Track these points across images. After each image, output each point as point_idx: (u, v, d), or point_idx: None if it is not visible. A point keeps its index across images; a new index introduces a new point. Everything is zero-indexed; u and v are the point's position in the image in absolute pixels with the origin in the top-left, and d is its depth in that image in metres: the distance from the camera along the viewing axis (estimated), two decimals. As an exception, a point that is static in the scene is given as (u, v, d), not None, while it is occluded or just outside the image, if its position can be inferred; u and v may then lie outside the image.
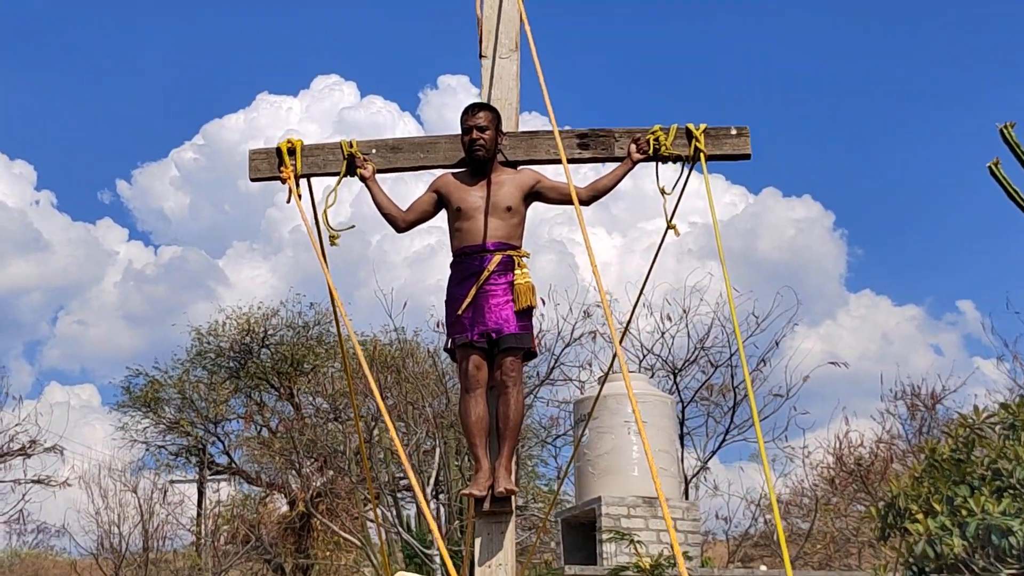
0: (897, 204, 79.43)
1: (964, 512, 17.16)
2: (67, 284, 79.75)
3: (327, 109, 67.58)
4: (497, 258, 7.37)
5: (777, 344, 32.28)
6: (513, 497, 7.30)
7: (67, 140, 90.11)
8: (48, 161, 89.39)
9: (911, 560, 17.73)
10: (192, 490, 39.28)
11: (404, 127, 66.56)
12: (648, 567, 16.51)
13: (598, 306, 29.00)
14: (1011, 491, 17.07)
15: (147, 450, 38.91)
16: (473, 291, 7.34)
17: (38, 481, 38.07)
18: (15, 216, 73.63)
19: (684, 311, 32.54)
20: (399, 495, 30.64)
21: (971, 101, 79.25)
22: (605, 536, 19.42)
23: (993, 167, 10.95)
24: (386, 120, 65.45)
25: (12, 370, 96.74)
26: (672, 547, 6.28)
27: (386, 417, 6.72)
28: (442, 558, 7.14)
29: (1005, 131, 11.05)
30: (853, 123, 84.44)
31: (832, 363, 35.71)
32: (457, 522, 27.74)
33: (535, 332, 7.68)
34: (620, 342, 7.28)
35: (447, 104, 67.49)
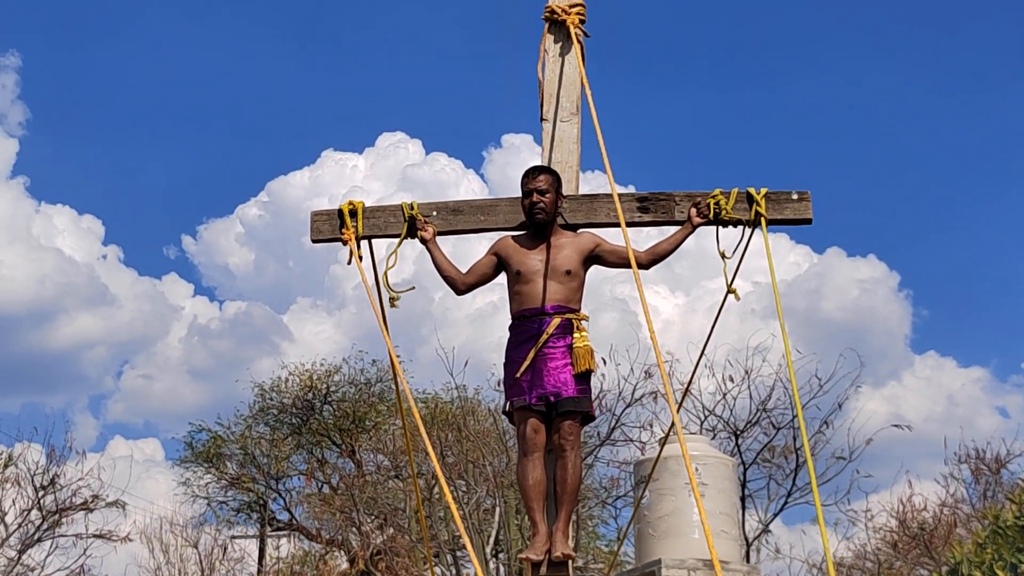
0: (962, 265, 78.85)
1: (1029, 580, 16.96)
2: (132, 338, 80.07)
3: (392, 167, 67.83)
4: (556, 321, 7.35)
5: (840, 406, 32.07)
6: (570, 562, 7.26)
7: (134, 195, 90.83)
8: (115, 216, 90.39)
9: (975, 628, 17.52)
10: (253, 546, 39.36)
11: (468, 185, 66.66)
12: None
13: (666, 376, 28.86)
14: (1078, 559, 16.85)
15: (208, 505, 39.07)
16: (532, 354, 7.31)
17: (100, 536, 38.21)
18: (83, 270, 74.33)
19: (746, 372, 32.36)
20: (458, 554, 30.56)
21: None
22: (665, 600, 19.29)
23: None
24: (450, 178, 65.62)
25: (77, 424, 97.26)
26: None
27: (441, 480, 6.72)
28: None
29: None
30: (918, 183, 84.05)
31: (896, 425, 35.52)
32: (516, 583, 27.64)
33: (594, 394, 7.65)
34: (681, 403, 7.27)
35: (510, 163, 67.54)
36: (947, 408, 61.58)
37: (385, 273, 7.74)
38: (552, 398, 7.29)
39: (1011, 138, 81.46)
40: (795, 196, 7.61)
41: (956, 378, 67.08)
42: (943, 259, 78.94)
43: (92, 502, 37.66)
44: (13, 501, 36.17)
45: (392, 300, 7.75)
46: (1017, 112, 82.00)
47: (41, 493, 37.12)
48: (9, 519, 36.23)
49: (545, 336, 7.32)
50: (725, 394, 32.32)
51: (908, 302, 72.62)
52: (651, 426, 31.43)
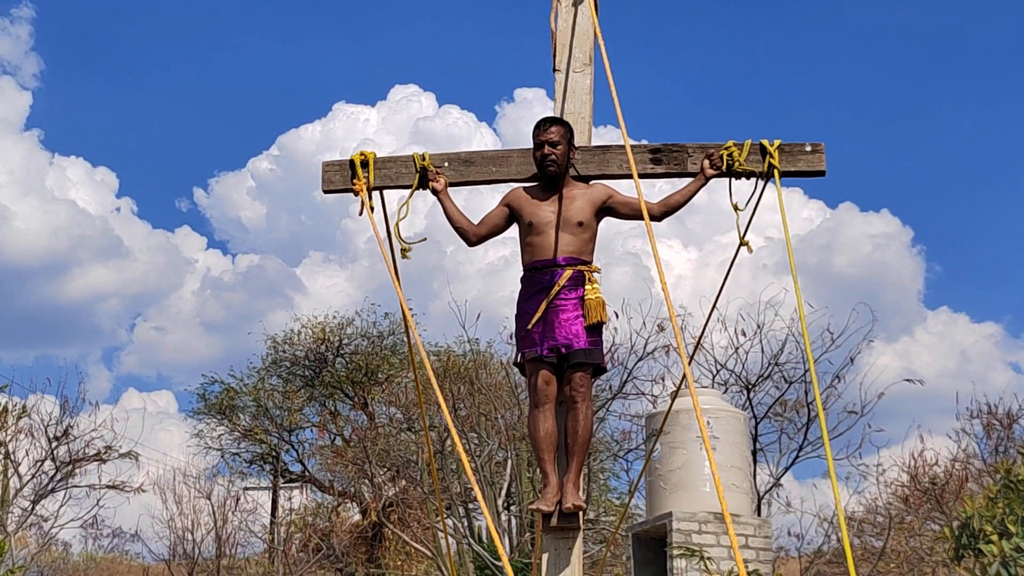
0: (976, 220, 78.75)
1: (1040, 534, 16.97)
2: (146, 291, 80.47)
3: (404, 120, 67.80)
4: (568, 273, 7.34)
5: (852, 360, 32.02)
6: (581, 513, 7.27)
7: (147, 148, 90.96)
8: (129, 168, 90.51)
9: (986, 581, 17.54)
10: (265, 498, 39.54)
11: (481, 139, 66.72)
12: (715, 583, 16.42)
13: (679, 330, 28.86)
14: (1088, 514, 16.86)
15: (221, 457, 39.27)
16: (543, 306, 7.31)
17: (113, 486, 38.39)
18: (96, 223, 74.59)
19: (759, 326, 32.32)
20: (471, 506, 30.64)
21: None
22: (676, 552, 19.31)
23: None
24: (462, 132, 65.58)
25: (90, 375, 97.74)
26: (738, 564, 6.21)
27: (453, 432, 6.72)
28: (508, 570, 7.11)
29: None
30: (934, 138, 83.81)
31: (908, 380, 35.44)
32: (528, 534, 27.71)
33: (605, 347, 7.65)
34: (692, 357, 7.26)
35: (523, 117, 67.57)
36: (959, 363, 61.67)
37: (397, 224, 7.73)
38: (563, 350, 7.29)
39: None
40: (808, 148, 7.58)
41: (969, 334, 67.14)
42: (957, 214, 78.88)
43: (105, 453, 37.81)
44: (27, 452, 36.34)
45: (404, 252, 7.74)
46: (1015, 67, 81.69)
47: (55, 444, 37.27)
48: (23, 470, 36.39)
49: (557, 288, 7.32)
50: (737, 348, 32.33)
51: (921, 257, 72.98)
52: (663, 380, 31.52)
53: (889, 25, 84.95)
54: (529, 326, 7.37)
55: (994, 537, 17.56)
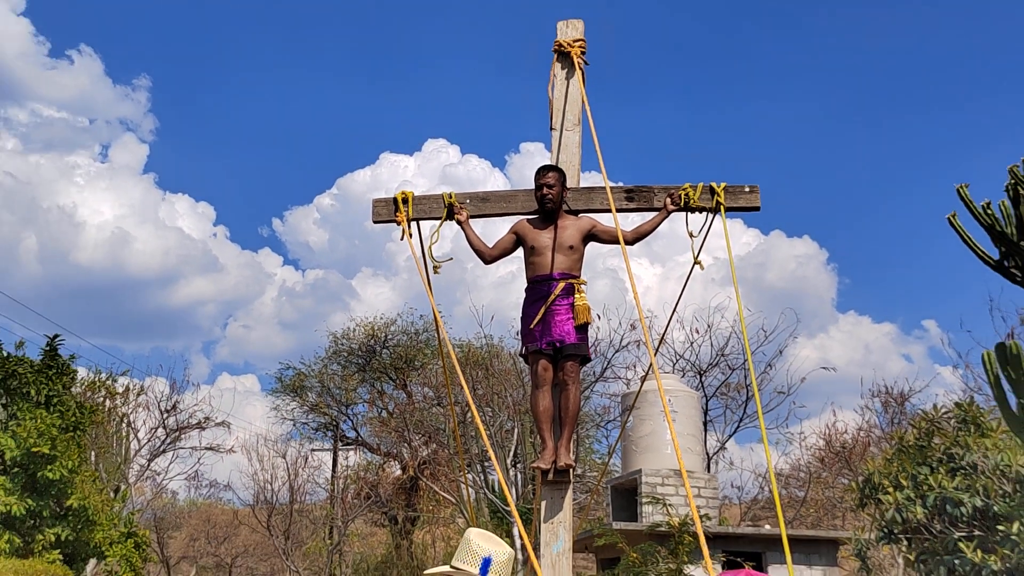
0: (877, 243, 78.96)
1: (925, 487, 16.93)
2: (236, 297, 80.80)
3: (435, 166, 68.07)
4: (561, 285, 7.38)
5: (781, 352, 32.30)
6: (571, 470, 7.31)
7: (237, 186, 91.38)
8: (223, 202, 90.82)
9: (883, 524, 17.51)
10: (327, 457, 39.52)
11: (494, 181, 67.12)
12: (676, 524, 16.42)
13: (647, 329, 28.96)
14: (962, 471, 16.82)
15: (293, 426, 39.20)
16: (542, 310, 7.35)
17: (210, 448, 38.54)
18: (198, 245, 74.98)
19: (708, 326, 32.52)
20: (486, 464, 30.66)
21: (937, 165, 78.72)
22: (644, 500, 19.32)
23: (951, 219, 10.81)
24: (480, 175, 65.87)
25: (193, 362, 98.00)
26: (692, 510, 6.22)
27: (472, 407, 6.74)
28: (515, 514, 7.12)
29: (960, 190, 10.92)
30: (845, 177, 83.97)
31: (824, 368, 35.85)
32: (530, 485, 27.69)
33: (590, 342, 7.66)
34: (657, 349, 7.24)
35: (527, 164, 67.82)
36: (864, 355, 61.79)
37: (429, 247, 7.77)
38: (558, 344, 7.33)
39: (919, 140, 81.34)
40: (747, 189, 7.62)
41: (871, 331, 67.24)
42: (863, 238, 79.00)
43: (204, 422, 37.92)
44: (143, 422, 36.50)
45: (435, 268, 7.79)
46: (918, 121, 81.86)
47: (165, 415, 37.35)
48: (141, 435, 36.49)
49: (553, 296, 7.36)
50: (692, 343, 32.58)
51: (834, 272, 72.63)
52: (634, 367, 31.72)
53: (807, 94, 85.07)
54: (531, 325, 7.40)
55: (890, 489, 17.53)
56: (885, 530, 18.02)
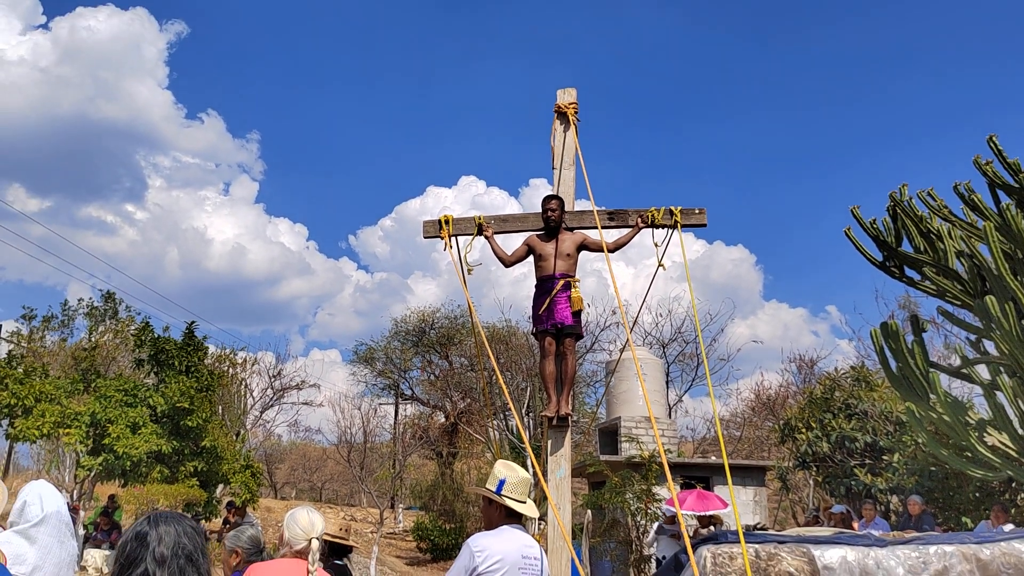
0: (794, 250, 78.82)
1: (829, 428, 16.92)
2: (323, 293, 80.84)
3: (467, 196, 68.00)
4: (561, 282, 7.36)
5: (722, 330, 32.58)
6: (569, 417, 7.31)
7: (323, 212, 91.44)
8: (313, 224, 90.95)
9: (798, 455, 17.51)
10: (391, 409, 39.49)
11: (511, 207, 67.07)
12: (646, 456, 16.41)
13: (624, 314, 29.09)
14: (856, 416, 16.80)
15: (366, 386, 39.19)
16: (547, 301, 7.34)
17: (305, 403, 38.70)
18: (295, 255, 75.07)
19: (669, 311, 32.67)
20: (507, 413, 30.67)
21: (836, 192, 78.56)
22: (623, 439, 19.30)
23: (847, 232, 10.81)
24: (501, 203, 65.93)
25: (292, 340, 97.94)
26: (658, 446, 6.22)
27: (497, 373, 6.75)
28: (528, 450, 7.11)
29: (854, 211, 10.93)
30: (771, 200, 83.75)
31: (754, 341, 36.25)
32: (540, 429, 27.71)
33: (582, 324, 7.66)
34: (632, 328, 7.23)
35: (535, 194, 67.89)
36: (783, 331, 61.71)
37: (464, 255, 7.76)
38: (559, 325, 7.31)
39: (829, 157, 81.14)
40: (697, 211, 7.59)
41: (788, 314, 67.14)
42: (783, 246, 78.83)
43: (301, 385, 38.12)
44: (256, 384, 36.59)
45: (469, 270, 7.77)
46: (827, 131, 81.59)
47: (272, 379, 37.50)
48: (256, 394, 36.61)
49: (555, 290, 7.34)
50: (657, 323, 32.62)
51: (761, 271, 72.40)
52: (615, 342, 31.72)
53: (736, 130, 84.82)
54: (539, 312, 7.40)
55: (803, 430, 17.54)
56: (800, 460, 18.03)
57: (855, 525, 12.57)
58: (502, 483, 4.60)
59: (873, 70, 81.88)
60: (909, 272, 10.72)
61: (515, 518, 4.60)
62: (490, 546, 4.40)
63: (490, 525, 4.61)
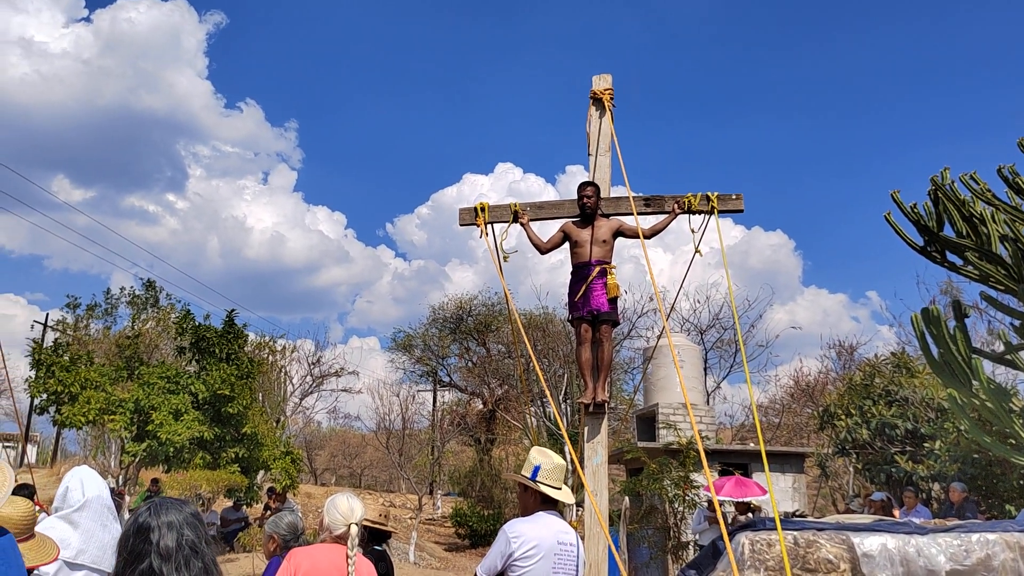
0: (833, 235, 77.96)
1: (869, 415, 16.73)
2: (361, 281, 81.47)
3: (504, 183, 68.10)
4: (597, 269, 7.31)
5: (761, 316, 32.39)
6: (606, 404, 7.28)
7: (360, 200, 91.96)
8: (352, 212, 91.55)
9: (837, 442, 17.34)
10: (429, 396, 39.68)
11: (548, 194, 67.14)
12: (684, 443, 16.34)
13: (660, 300, 29.02)
14: (896, 403, 16.59)
15: (404, 373, 39.41)
16: (584, 288, 7.30)
17: (344, 390, 38.98)
18: (334, 243, 75.66)
19: (707, 298, 32.47)
20: (544, 400, 30.68)
21: (876, 172, 77.53)
22: (660, 425, 19.22)
23: (887, 216, 10.66)
24: (537, 190, 65.94)
25: (331, 328, 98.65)
26: (694, 433, 6.19)
27: (533, 360, 6.74)
28: (564, 436, 7.13)
29: (894, 195, 10.76)
30: (810, 185, 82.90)
31: (792, 327, 35.80)
32: (576, 416, 27.68)
33: (619, 310, 7.62)
34: (669, 315, 7.19)
35: (571, 181, 67.69)
36: (823, 317, 61.24)
37: (500, 243, 7.75)
38: (595, 312, 7.27)
39: (867, 149, 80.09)
40: (734, 196, 7.52)
41: (828, 300, 66.67)
42: (822, 232, 78.05)
43: (340, 372, 38.39)
44: (296, 371, 36.91)
45: (504, 258, 7.76)
46: (863, 127, 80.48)
47: (312, 366, 37.78)
48: (295, 381, 36.94)
49: (591, 277, 7.30)
50: (695, 309, 32.50)
51: (800, 257, 71.80)
52: (652, 328, 31.63)
53: (774, 120, 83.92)
54: (575, 299, 7.36)
55: (842, 416, 17.36)
56: (839, 447, 17.84)
57: (896, 513, 12.43)
58: (537, 469, 4.60)
59: (917, 58, 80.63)
60: (951, 257, 10.54)
61: (551, 504, 4.61)
62: (526, 532, 4.40)
63: (526, 511, 4.62)
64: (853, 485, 22.68)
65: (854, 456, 17.55)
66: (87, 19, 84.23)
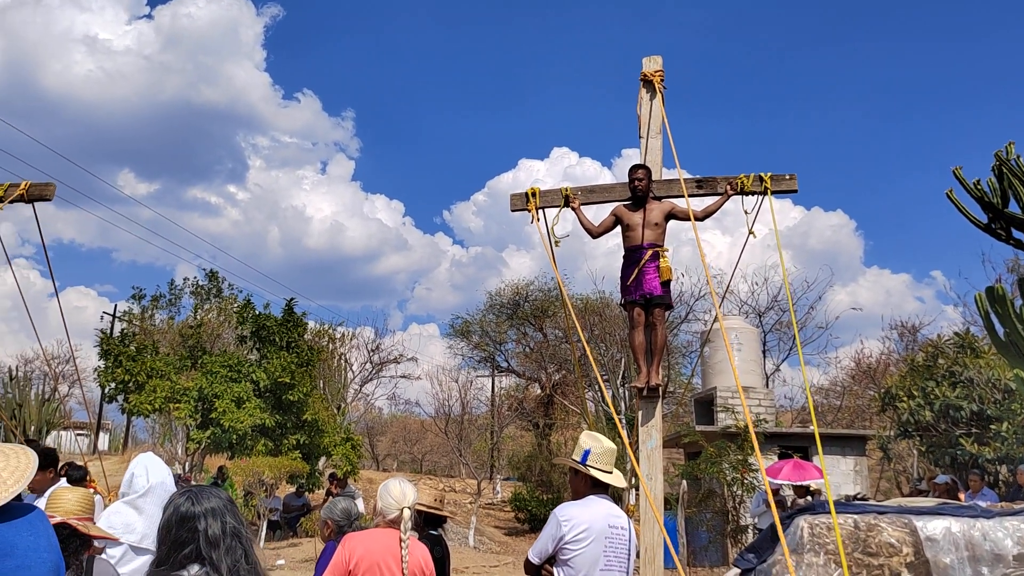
0: (895, 214, 76.53)
1: (932, 396, 16.40)
2: (420, 268, 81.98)
3: (560, 168, 68.03)
4: (650, 252, 7.27)
5: (820, 298, 31.86)
6: (660, 388, 7.24)
7: (419, 188, 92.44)
8: (410, 200, 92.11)
9: (899, 424, 17.03)
10: (487, 381, 39.82)
11: (604, 178, 66.72)
12: (741, 427, 16.22)
13: (711, 282, 28.93)
14: (961, 384, 16.24)
15: (463, 359, 39.57)
16: (636, 271, 7.27)
17: (404, 376, 39.27)
18: (393, 231, 76.24)
19: (765, 279, 31.98)
20: (604, 384, 30.63)
21: (935, 152, 75.91)
22: (718, 409, 19.08)
23: (949, 194, 10.42)
24: (593, 174, 65.67)
25: (390, 315, 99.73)
26: (747, 418, 6.13)
27: (587, 348, 6.73)
28: (616, 421, 7.13)
29: (956, 172, 10.51)
30: (870, 163, 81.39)
31: (853, 308, 35.27)
32: (634, 400, 27.59)
33: (673, 294, 7.57)
34: (723, 299, 7.11)
35: (628, 165, 67.11)
36: (885, 298, 60.25)
37: (551, 228, 7.74)
38: (648, 295, 7.24)
39: (922, 134, 78.38)
40: (788, 177, 7.42)
41: (891, 280, 65.52)
42: (883, 210, 76.60)
43: (399, 358, 38.67)
44: (356, 358, 37.29)
45: (556, 243, 7.75)
46: (920, 120, 78.73)
47: (372, 353, 38.16)
48: (355, 368, 37.34)
49: (643, 261, 7.26)
50: (753, 292, 32.13)
51: (861, 237, 70.53)
52: (709, 312, 31.52)
53: (836, 105, 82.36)
54: (628, 283, 7.35)
55: (904, 398, 17.04)
56: (901, 429, 17.53)
57: (961, 496, 12.18)
58: (587, 453, 4.60)
59: (976, 29, 78.52)
60: (1017, 234, 10.25)
61: (602, 488, 4.60)
62: (577, 515, 4.41)
63: (577, 495, 4.62)
64: (917, 468, 22.29)
65: (917, 438, 17.23)
66: (148, 16, 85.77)
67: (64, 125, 76.02)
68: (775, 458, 15.19)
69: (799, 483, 13.07)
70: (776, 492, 12.97)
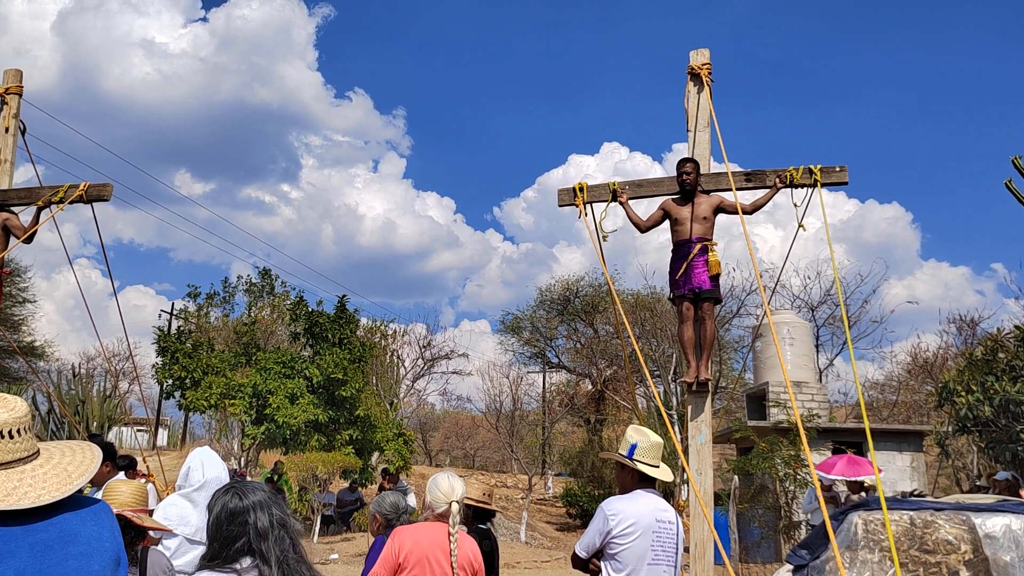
0: (951, 205, 75.12)
1: (991, 391, 16.06)
2: (471, 265, 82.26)
3: (610, 163, 67.77)
4: (698, 247, 7.24)
5: (874, 291, 31.39)
6: (709, 383, 7.20)
7: (470, 185, 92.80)
8: (460, 197, 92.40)
9: (957, 420, 16.69)
10: (538, 377, 39.83)
11: (654, 172, 66.34)
12: (792, 422, 16.04)
13: (760, 276, 28.58)
14: (1021, 379, 15.87)
15: (514, 355, 39.59)
16: (684, 265, 7.24)
17: (455, 372, 39.46)
18: (444, 228, 76.65)
19: (818, 273, 31.68)
20: (655, 379, 30.46)
21: (993, 142, 74.28)
22: (770, 404, 18.89)
23: (1008, 183, 10.23)
24: (644, 168, 65.55)
25: (442, 312, 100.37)
26: (795, 413, 6.07)
27: (635, 343, 6.71)
28: (664, 416, 7.08)
29: (1015, 161, 10.31)
30: (926, 155, 79.95)
31: (910, 302, 34.69)
32: (685, 396, 27.42)
33: (722, 288, 7.51)
34: (773, 293, 7.05)
35: (676, 158, 66.91)
36: (943, 291, 59.15)
37: (599, 223, 7.73)
38: (697, 290, 7.21)
39: (983, 113, 76.78)
40: (838, 169, 7.31)
41: (949, 273, 64.34)
42: (939, 203, 75.24)
43: (451, 354, 38.83)
44: (407, 354, 37.52)
45: (604, 237, 7.73)
46: (978, 89, 77.08)
47: (424, 349, 38.37)
48: (407, 364, 37.57)
49: (692, 255, 7.23)
50: (806, 286, 31.84)
51: (917, 230, 69.28)
52: (761, 306, 31.09)
53: (887, 98, 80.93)
54: (676, 277, 7.32)
55: (963, 393, 16.69)
56: (959, 424, 17.18)
57: (1022, 492, 11.92)
58: (633, 448, 4.60)
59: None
60: (1077, 224, 10.01)
61: (649, 482, 4.59)
62: (624, 509, 4.41)
63: (624, 489, 4.62)
64: (977, 464, 21.84)
65: (976, 434, 16.88)
66: (203, 19, 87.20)
67: (123, 127, 77.66)
68: (828, 453, 15.00)
69: (853, 479, 12.89)
70: (829, 488, 12.81)
